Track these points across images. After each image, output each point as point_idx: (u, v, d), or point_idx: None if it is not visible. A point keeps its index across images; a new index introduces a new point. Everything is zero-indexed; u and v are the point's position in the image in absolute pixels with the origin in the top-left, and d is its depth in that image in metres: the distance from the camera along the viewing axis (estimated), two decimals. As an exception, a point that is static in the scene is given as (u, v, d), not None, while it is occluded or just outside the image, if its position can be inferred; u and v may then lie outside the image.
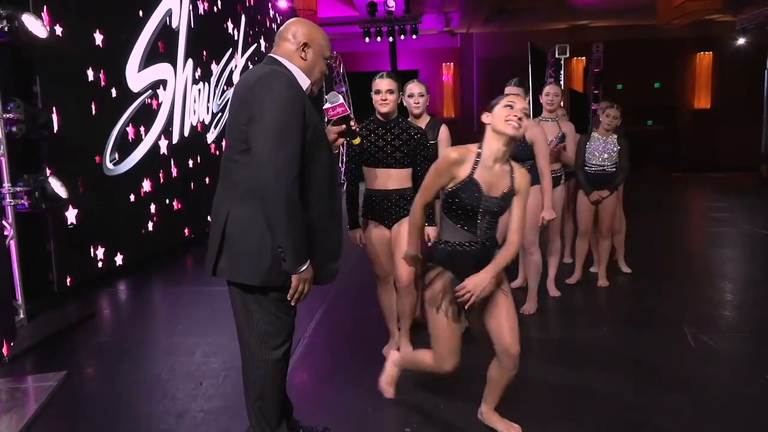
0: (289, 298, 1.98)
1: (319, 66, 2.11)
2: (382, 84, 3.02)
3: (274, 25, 10.58)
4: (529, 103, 4.19)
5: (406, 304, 3.19)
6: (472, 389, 2.93)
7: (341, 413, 2.68)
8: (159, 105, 6.24)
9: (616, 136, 4.49)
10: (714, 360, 3.28)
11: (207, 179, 7.47)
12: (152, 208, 6.09)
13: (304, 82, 2.06)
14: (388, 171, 3.01)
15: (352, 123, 2.23)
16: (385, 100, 3.01)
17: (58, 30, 4.63)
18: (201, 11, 7.32)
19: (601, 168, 4.48)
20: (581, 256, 4.74)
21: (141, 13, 5.88)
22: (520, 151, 3.82)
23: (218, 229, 2.00)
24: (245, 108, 1.92)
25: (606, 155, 4.47)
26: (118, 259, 5.45)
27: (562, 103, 4.75)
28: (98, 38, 5.17)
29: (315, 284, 2.04)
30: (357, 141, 2.36)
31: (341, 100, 2.20)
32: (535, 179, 3.86)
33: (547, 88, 4.36)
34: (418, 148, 3.04)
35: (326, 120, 2.26)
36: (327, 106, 2.18)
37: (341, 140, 2.26)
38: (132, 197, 5.70)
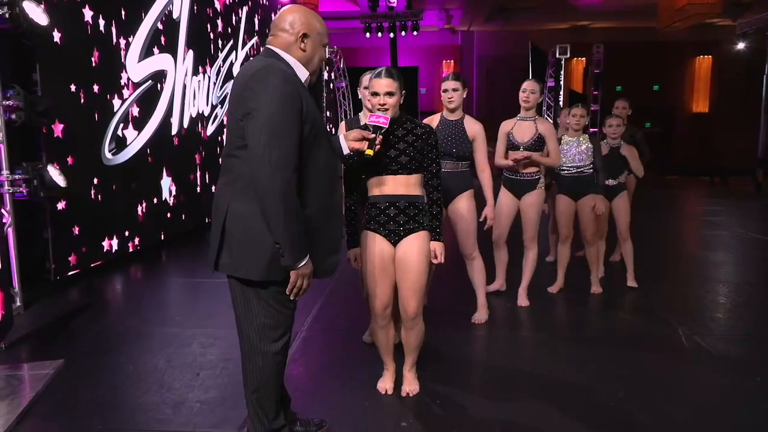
0: (288, 293, 1.99)
1: (318, 54, 2.09)
2: (380, 85, 2.48)
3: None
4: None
5: (412, 337, 2.72)
6: (469, 384, 2.95)
7: (338, 406, 2.70)
8: (159, 95, 6.23)
9: (587, 136, 4.36)
10: (707, 362, 3.31)
11: (206, 171, 7.46)
12: (150, 198, 6.08)
13: (303, 74, 2.04)
14: (394, 177, 2.55)
15: (378, 138, 2.34)
16: (384, 104, 2.49)
17: (58, 19, 4.61)
18: (202, 2, 7.29)
19: (579, 170, 4.34)
20: (564, 264, 4.55)
21: (142, 2, 5.86)
22: (460, 148, 3.58)
23: (219, 223, 2.00)
24: (242, 103, 1.91)
25: (579, 157, 4.33)
26: (116, 249, 5.44)
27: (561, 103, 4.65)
28: (99, 27, 5.15)
29: (315, 278, 2.04)
30: (370, 152, 2.32)
31: (387, 117, 2.40)
32: (468, 183, 3.66)
33: (524, 84, 4.01)
34: (425, 150, 2.58)
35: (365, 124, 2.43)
36: (373, 113, 2.40)
37: (361, 144, 2.29)
38: (130, 187, 5.69)
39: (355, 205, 2.68)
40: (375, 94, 2.50)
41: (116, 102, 5.42)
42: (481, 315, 3.85)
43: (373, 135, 2.33)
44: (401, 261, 2.59)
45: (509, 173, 4.15)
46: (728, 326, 3.94)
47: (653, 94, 16.88)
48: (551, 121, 13.11)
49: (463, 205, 3.63)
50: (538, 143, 4.01)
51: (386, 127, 2.37)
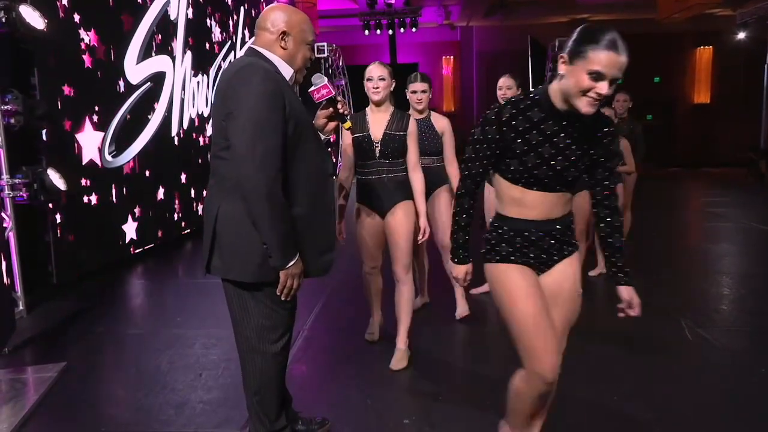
0: (278, 294, 1.97)
1: (301, 53, 2.05)
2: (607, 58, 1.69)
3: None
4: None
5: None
6: (472, 380, 2.95)
7: (340, 405, 2.70)
8: (158, 97, 6.22)
9: None
10: (711, 353, 3.30)
11: (205, 172, 7.46)
12: (150, 200, 6.09)
13: (287, 71, 2.02)
14: (550, 195, 1.82)
15: (339, 106, 2.12)
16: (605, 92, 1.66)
17: (56, 21, 4.60)
18: (200, 3, 7.28)
19: None
20: None
21: (140, 3, 5.85)
22: (433, 144, 3.62)
23: (209, 226, 1.99)
24: (224, 103, 1.89)
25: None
26: (117, 251, 5.45)
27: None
28: (97, 30, 5.15)
29: (308, 277, 2.03)
30: (348, 125, 2.22)
31: (325, 81, 2.07)
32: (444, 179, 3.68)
33: (499, 82, 4.00)
34: (605, 156, 1.85)
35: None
36: (312, 88, 2.08)
37: (332, 125, 2.16)
38: (130, 189, 5.69)
39: (473, 199, 1.95)
40: (598, 76, 1.66)
41: (115, 104, 5.41)
42: (463, 308, 3.83)
43: (332, 108, 2.12)
44: (553, 294, 1.91)
45: None
46: (732, 318, 3.92)
47: (654, 86, 16.78)
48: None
49: (442, 198, 3.71)
50: None
51: (334, 95, 2.11)
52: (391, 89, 3.10)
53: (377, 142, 3.02)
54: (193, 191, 7.11)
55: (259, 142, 1.82)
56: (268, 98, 1.86)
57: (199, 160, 7.36)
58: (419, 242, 3.15)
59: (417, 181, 3.09)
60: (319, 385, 2.96)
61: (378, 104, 3.08)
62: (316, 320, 3.94)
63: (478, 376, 3.03)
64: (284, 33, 2.00)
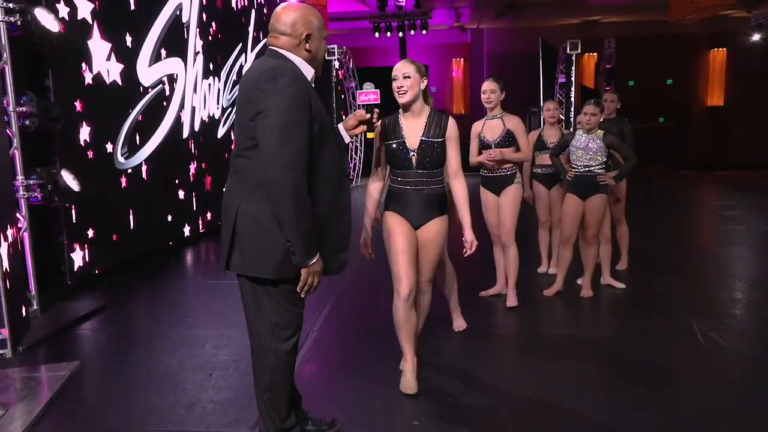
0: (299, 291, 2.00)
1: (322, 49, 2.12)
2: None
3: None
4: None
5: None
6: (482, 383, 2.94)
7: (349, 405, 2.70)
8: (170, 99, 6.28)
9: (601, 133, 4.17)
10: (723, 358, 3.27)
11: (217, 173, 7.51)
12: (163, 201, 6.14)
13: (309, 72, 2.06)
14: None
15: (375, 114, 2.28)
16: None
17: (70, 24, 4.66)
18: (211, 6, 7.34)
19: (587, 169, 4.18)
20: (564, 266, 4.38)
21: (152, 6, 5.91)
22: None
23: (229, 224, 2.02)
24: (251, 104, 1.92)
25: (589, 155, 4.16)
26: (129, 252, 5.49)
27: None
28: (110, 33, 5.20)
29: (325, 275, 2.05)
30: (371, 135, 2.43)
31: (374, 89, 2.34)
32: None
33: (483, 86, 4.01)
34: None
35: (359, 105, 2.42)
36: (362, 90, 2.32)
37: (360, 128, 2.28)
38: (143, 190, 5.74)
39: None
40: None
41: (127, 106, 5.47)
42: (459, 322, 3.67)
43: (369, 115, 2.28)
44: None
45: (485, 171, 4.14)
46: (745, 322, 3.88)
47: (667, 88, 16.66)
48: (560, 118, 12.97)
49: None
50: (508, 139, 3.99)
51: (378, 102, 2.43)
52: (423, 87, 2.72)
53: (413, 151, 2.71)
54: (204, 191, 7.15)
55: (288, 143, 1.86)
56: (296, 99, 1.90)
57: (210, 161, 7.40)
58: (465, 256, 2.80)
59: (459, 189, 2.81)
60: (329, 385, 2.97)
61: (406, 107, 2.73)
62: (326, 322, 3.94)
63: (486, 378, 3.02)
64: (308, 36, 2.04)
